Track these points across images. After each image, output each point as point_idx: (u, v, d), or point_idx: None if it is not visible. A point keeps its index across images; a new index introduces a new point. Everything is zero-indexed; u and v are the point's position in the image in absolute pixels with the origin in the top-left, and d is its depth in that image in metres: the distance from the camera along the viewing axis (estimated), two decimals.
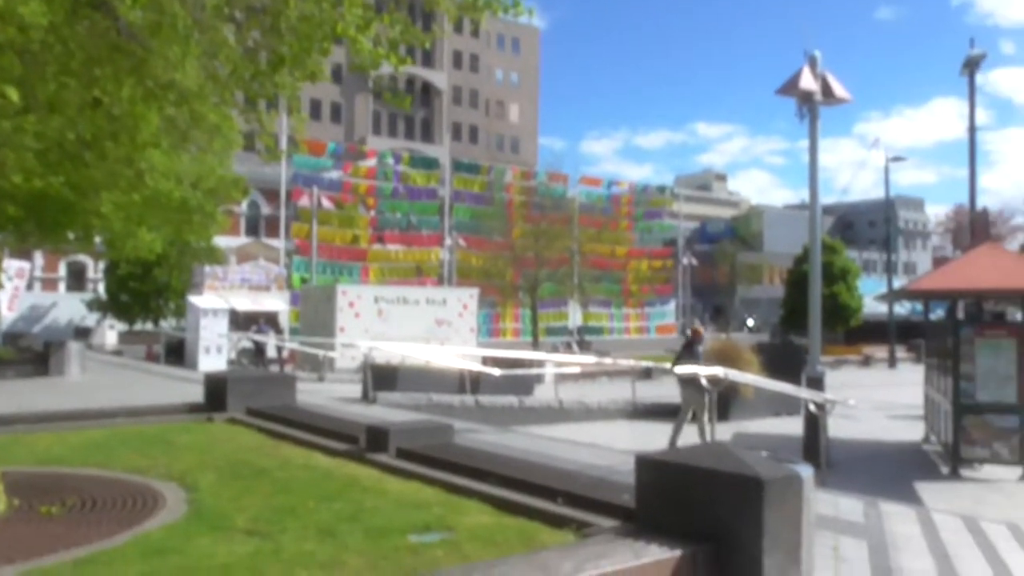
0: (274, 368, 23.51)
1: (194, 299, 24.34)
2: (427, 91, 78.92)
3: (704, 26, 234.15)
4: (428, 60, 78.32)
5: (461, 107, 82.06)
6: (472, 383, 16.25)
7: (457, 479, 6.17)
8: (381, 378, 15.05)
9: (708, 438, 11.71)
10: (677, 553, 3.87)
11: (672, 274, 51.76)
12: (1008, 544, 6.76)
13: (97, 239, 15.43)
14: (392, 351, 16.77)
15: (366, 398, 14.03)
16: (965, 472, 11.09)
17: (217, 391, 10.03)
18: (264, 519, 5.22)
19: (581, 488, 5.60)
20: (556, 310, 40.16)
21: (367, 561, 4.37)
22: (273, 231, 39.86)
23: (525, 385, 17.28)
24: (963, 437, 11.07)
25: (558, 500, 5.37)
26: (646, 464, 4.40)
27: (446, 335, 24.18)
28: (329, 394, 14.97)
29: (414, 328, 23.33)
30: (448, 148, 45.51)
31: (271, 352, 24.78)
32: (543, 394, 17.65)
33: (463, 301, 25.79)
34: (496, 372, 15.36)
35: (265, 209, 47.49)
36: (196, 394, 10.82)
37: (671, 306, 50.74)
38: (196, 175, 11.46)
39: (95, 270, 43.83)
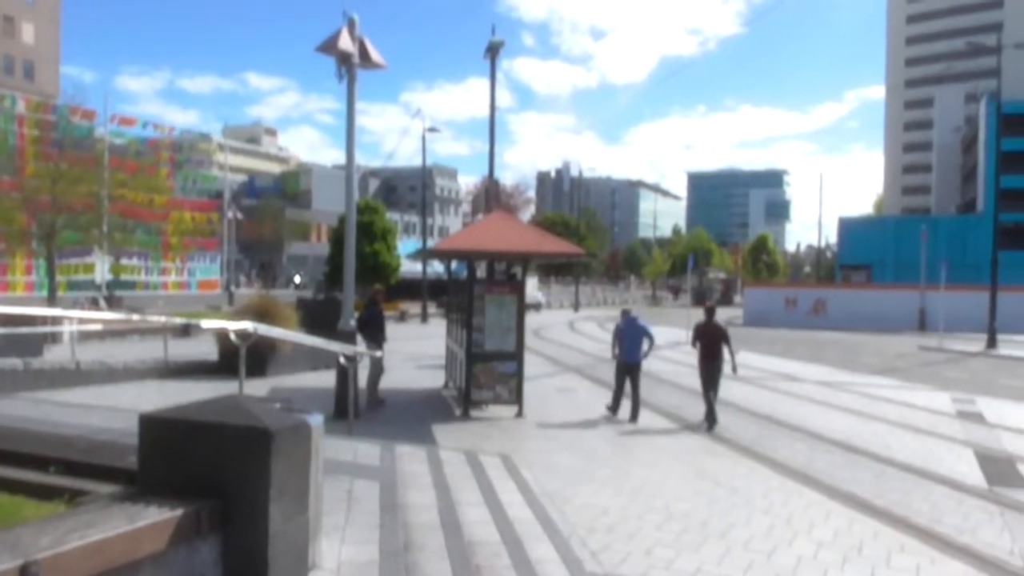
0: None
1: None
2: None
3: None
4: None
5: None
6: None
7: None
8: None
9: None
10: (178, 513, 3.71)
11: (217, 227, 49.61)
12: (498, 472, 7.81)
13: None
14: None
15: None
16: (475, 413, 12.53)
17: None
18: None
19: (80, 454, 5.09)
20: (80, 261, 35.98)
21: None
22: None
23: (32, 345, 15.20)
24: (473, 382, 12.51)
25: (50, 469, 4.81)
26: (150, 423, 4.14)
27: None
28: None
29: None
30: None
31: None
32: (58, 355, 15.75)
33: None
34: None
35: None
36: None
37: (216, 261, 48.82)
38: None
39: None
